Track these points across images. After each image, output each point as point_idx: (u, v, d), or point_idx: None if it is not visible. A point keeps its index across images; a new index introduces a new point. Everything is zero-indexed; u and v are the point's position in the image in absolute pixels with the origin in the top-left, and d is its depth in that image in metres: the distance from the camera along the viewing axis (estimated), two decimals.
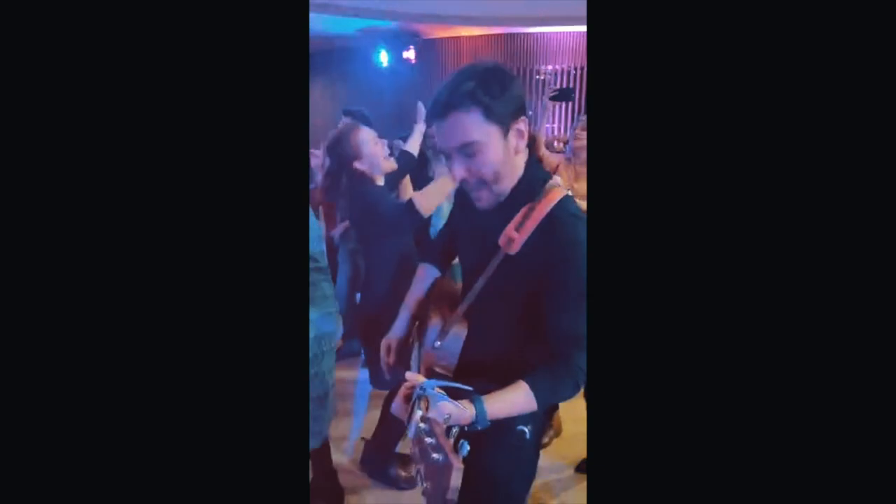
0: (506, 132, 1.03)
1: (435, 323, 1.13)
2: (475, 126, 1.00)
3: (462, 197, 1.25)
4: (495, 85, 1.00)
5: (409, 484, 2.16)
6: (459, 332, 1.10)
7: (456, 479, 0.76)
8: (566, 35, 7.58)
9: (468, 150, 1.02)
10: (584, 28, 7.23)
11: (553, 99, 2.85)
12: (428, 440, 0.83)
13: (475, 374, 1.07)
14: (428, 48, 7.89)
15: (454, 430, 0.86)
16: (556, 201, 1.07)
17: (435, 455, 0.80)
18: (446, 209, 3.62)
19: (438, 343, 1.08)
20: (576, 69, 7.57)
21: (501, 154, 1.04)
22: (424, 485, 0.82)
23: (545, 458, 2.27)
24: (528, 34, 7.60)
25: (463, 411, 0.92)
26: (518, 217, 1.08)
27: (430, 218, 3.19)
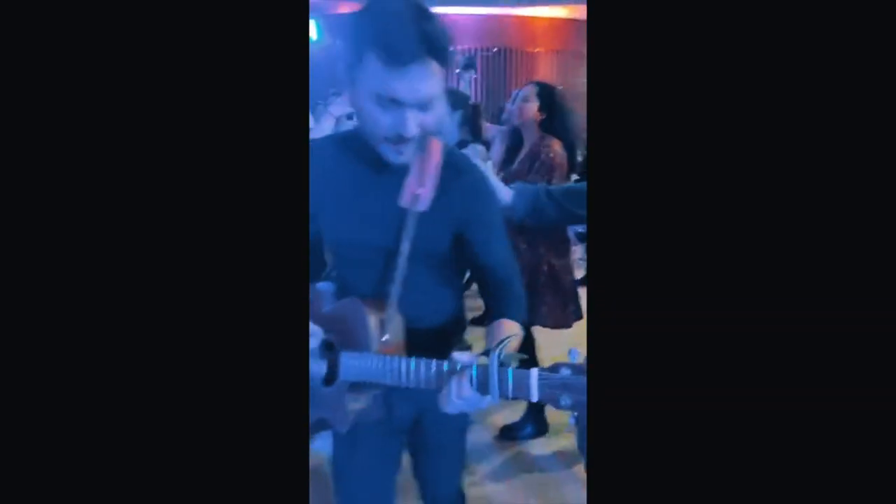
0: (446, 80, 0.95)
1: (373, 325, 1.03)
2: (438, 76, 0.90)
3: (334, 167, 1.06)
4: (440, 25, 0.90)
5: None
6: (397, 320, 1.03)
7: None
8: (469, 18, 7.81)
9: (428, 105, 0.91)
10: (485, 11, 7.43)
11: (465, 69, 2.98)
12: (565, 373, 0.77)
13: (430, 348, 1.00)
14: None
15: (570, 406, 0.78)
16: (442, 148, 1.03)
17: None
18: None
19: (386, 336, 1.01)
20: (479, 50, 7.83)
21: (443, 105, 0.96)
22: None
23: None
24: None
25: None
26: (415, 171, 1.01)
27: None
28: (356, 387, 1.02)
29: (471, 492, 2.17)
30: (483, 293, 1.10)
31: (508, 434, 2.49)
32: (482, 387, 0.84)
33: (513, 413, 2.56)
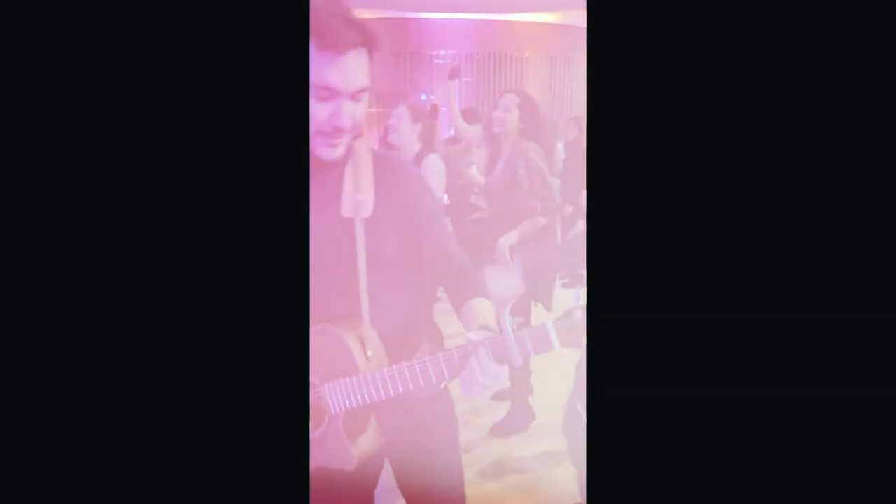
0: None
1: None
2: (368, 66, 0.93)
3: None
4: (367, 20, 0.91)
5: None
6: (372, 334, 0.99)
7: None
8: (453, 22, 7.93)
9: (360, 96, 0.93)
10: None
11: (449, 77, 3.11)
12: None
13: (411, 351, 0.99)
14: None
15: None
16: (369, 149, 1.04)
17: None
18: None
19: (371, 353, 0.98)
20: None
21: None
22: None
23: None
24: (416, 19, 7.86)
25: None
26: (349, 179, 1.00)
27: None
28: (352, 418, 0.96)
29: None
30: (444, 283, 1.09)
31: (499, 431, 2.54)
32: (502, 357, 0.85)
33: (500, 410, 2.65)
